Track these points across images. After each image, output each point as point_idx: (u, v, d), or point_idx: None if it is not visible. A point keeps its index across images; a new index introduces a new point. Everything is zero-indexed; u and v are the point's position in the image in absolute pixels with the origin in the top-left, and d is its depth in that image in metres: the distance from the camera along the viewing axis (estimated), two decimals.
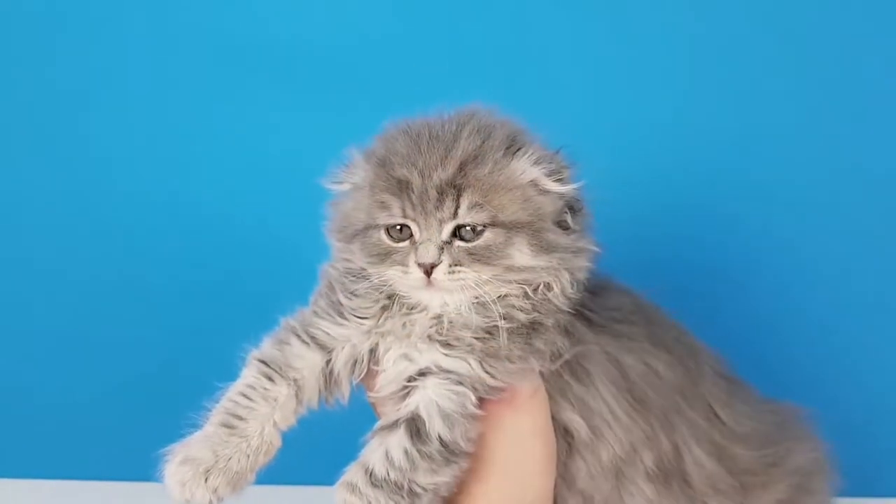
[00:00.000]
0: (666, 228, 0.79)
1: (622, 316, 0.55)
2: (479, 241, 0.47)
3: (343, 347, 0.51)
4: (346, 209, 0.51)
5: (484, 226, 0.47)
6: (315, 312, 0.52)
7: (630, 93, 0.78)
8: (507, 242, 0.47)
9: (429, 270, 0.46)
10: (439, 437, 0.47)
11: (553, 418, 0.52)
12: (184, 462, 0.47)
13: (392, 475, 0.46)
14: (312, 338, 0.51)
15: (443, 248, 0.47)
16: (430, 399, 0.48)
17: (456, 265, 0.47)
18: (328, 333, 0.51)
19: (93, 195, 0.83)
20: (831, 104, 0.77)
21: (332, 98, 0.79)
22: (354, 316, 0.50)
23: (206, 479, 0.47)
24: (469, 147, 0.47)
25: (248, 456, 0.48)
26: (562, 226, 0.49)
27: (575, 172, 0.50)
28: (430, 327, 0.49)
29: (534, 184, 0.48)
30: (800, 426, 0.60)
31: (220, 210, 0.82)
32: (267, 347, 0.52)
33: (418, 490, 0.47)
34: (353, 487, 0.47)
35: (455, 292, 0.47)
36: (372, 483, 0.46)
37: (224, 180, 0.82)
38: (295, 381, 0.50)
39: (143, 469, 0.83)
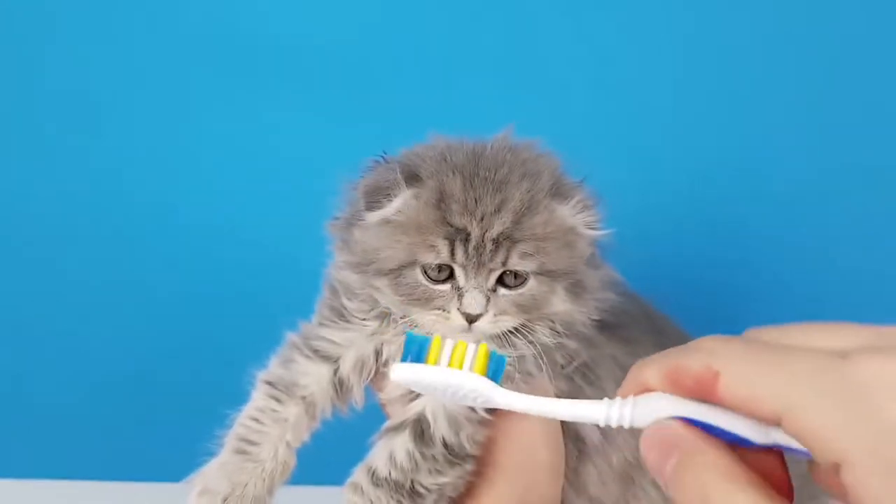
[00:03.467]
0: (670, 234, 0.80)
1: (629, 322, 0.55)
2: (524, 290, 0.47)
3: (348, 352, 0.51)
4: (374, 243, 0.48)
5: (529, 274, 0.47)
6: (319, 322, 0.52)
7: (633, 94, 0.78)
8: (550, 290, 0.47)
9: (473, 319, 0.46)
10: (443, 439, 0.47)
11: (564, 424, 0.52)
12: (202, 493, 0.48)
13: (394, 475, 0.47)
14: (315, 351, 0.51)
15: (489, 298, 0.46)
16: (437, 401, 0.48)
17: (501, 314, 0.46)
18: (332, 341, 0.51)
19: (92, 197, 0.82)
20: (833, 104, 0.77)
21: (337, 101, 0.79)
22: (357, 318, 0.50)
23: None
24: (523, 196, 0.46)
25: (264, 480, 0.48)
26: (590, 262, 0.50)
27: (610, 232, 0.49)
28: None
29: (573, 230, 0.48)
30: None
31: (221, 211, 0.82)
32: (273, 367, 0.52)
33: (421, 490, 0.47)
34: (357, 488, 0.47)
35: (491, 335, 0.47)
36: (374, 483, 0.47)
37: (226, 183, 0.82)
38: (303, 398, 0.51)
39: (144, 469, 0.84)
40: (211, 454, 0.50)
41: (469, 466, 0.48)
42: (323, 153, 0.52)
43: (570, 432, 0.53)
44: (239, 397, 0.53)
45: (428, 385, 0.36)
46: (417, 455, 0.47)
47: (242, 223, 0.82)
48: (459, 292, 0.46)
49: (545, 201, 0.47)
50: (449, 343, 0.37)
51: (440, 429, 0.47)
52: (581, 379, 0.53)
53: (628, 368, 0.52)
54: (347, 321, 0.51)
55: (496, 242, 0.45)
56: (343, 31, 0.78)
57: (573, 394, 0.53)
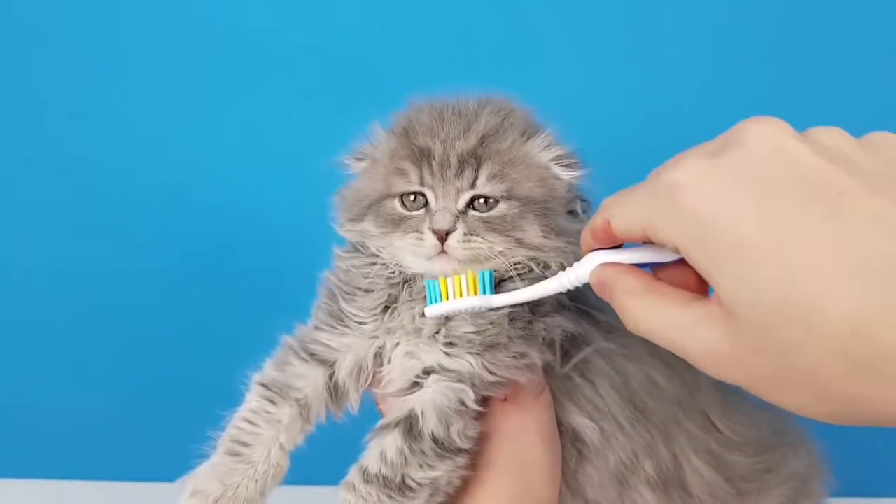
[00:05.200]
0: None
1: (623, 325, 0.55)
2: (494, 212, 0.48)
3: (345, 357, 0.51)
4: (360, 185, 0.52)
5: (499, 198, 0.48)
6: (316, 326, 0.52)
7: (630, 91, 0.78)
8: (520, 216, 0.48)
9: (443, 237, 0.47)
10: (432, 434, 0.47)
11: (561, 423, 0.52)
12: (193, 494, 0.48)
13: (384, 471, 0.47)
14: (312, 354, 0.51)
15: (458, 217, 0.47)
16: (428, 398, 0.48)
17: (471, 234, 0.47)
18: (329, 346, 0.51)
19: (95, 197, 0.83)
20: (833, 103, 0.77)
21: (336, 97, 0.80)
22: (355, 321, 0.50)
23: None
24: (490, 122, 0.49)
25: (256, 481, 0.48)
26: (571, 214, 0.50)
27: (586, 172, 0.51)
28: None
29: (547, 167, 0.50)
30: (795, 431, 0.60)
31: (223, 211, 0.83)
32: (268, 370, 0.52)
33: (412, 484, 0.47)
34: (350, 486, 0.48)
35: (467, 262, 0.48)
36: (365, 480, 0.47)
37: (226, 181, 0.82)
38: (297, 400, 0.51)
39: (144, 469, 0.84)
40: (204, 456, 0.50)
41: (461, 460, 0.48)
42: (323, 155, 0.53)
43: (569, 433, 0.53)
44: (236, 398, 0.53)
45: (452, 313, 0.47)
46: (407, 450, 0.47)
47: (237, 227, 0.82)
48: (431, 214, 0.48)
49: (513, 132, 0.49)
50: (449, 281, 0.46)
51: (429, 424, 0.48)
52: (580, 377, 0.53)
53: (624, 372, 0.53)
54: (346, 325, 0.51)
55: (461, 160, 0.48)
56: (352, 29, 0.78)
57: (570, 391, 0.53)
